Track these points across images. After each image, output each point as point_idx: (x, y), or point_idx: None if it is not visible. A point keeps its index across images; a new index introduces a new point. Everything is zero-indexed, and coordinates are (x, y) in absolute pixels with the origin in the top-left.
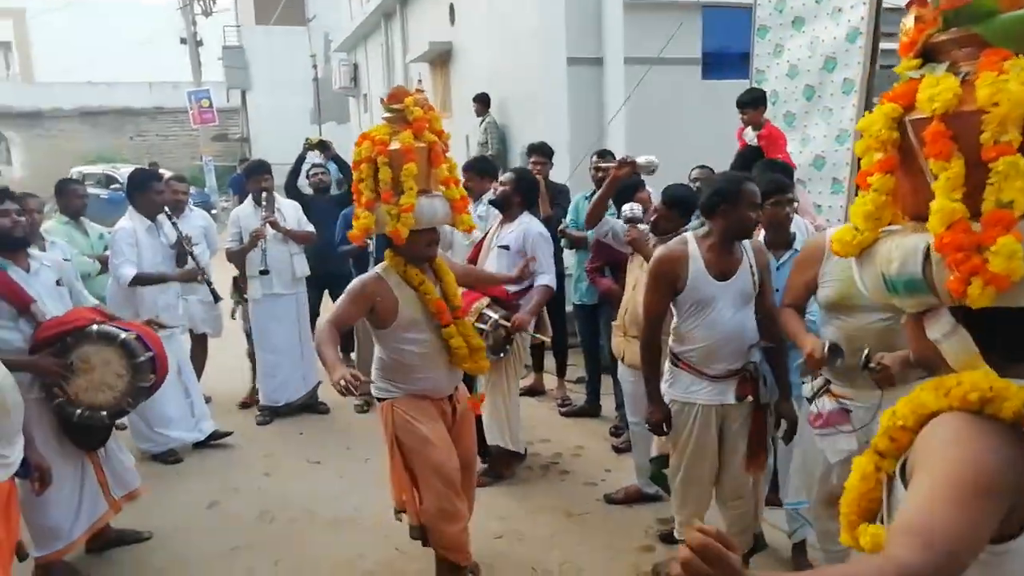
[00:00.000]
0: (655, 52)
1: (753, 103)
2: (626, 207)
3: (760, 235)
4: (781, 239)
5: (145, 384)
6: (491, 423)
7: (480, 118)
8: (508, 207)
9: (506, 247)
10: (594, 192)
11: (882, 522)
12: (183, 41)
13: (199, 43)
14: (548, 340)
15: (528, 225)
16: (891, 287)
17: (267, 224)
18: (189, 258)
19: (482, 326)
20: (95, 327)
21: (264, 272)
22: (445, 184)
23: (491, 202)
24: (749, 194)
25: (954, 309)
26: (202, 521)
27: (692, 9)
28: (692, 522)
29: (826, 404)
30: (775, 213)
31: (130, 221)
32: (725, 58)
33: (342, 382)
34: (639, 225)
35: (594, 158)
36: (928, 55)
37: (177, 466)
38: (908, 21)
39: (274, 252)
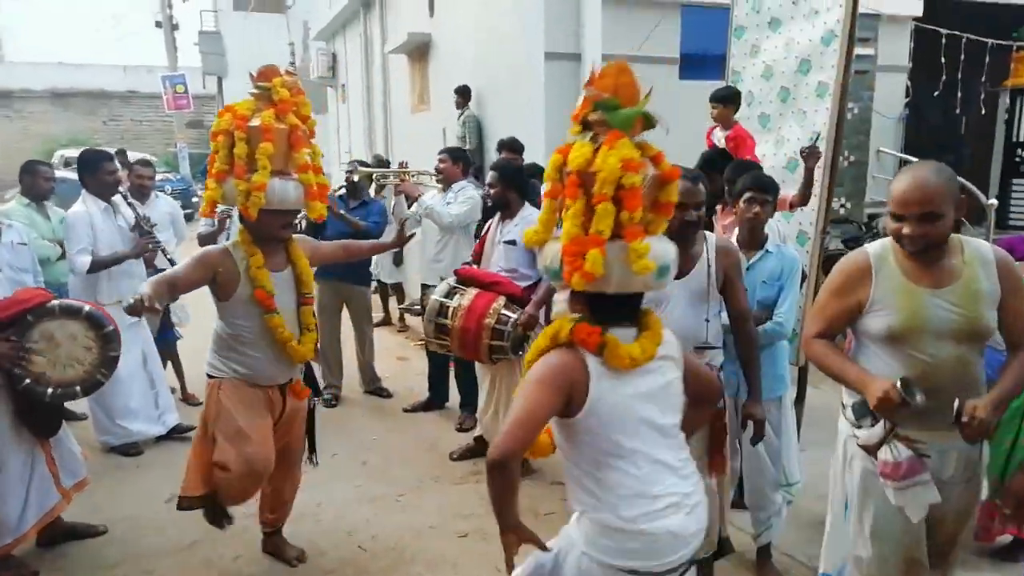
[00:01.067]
0: (633, 50)
1: (725, 100)
2: None
3: (734, 234)
4: (753, 239)
5: (114, 353)
6: None
7: (459, 111)
8: (507, 205)
9: (512, 242)
10: None
11: None
12: (158, 24)
13: (175, 27)
14: None
15: (532, 218)
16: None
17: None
18: (152, 241)
19: (502, 327)
20: (56, 302)
21: None
22: (303, 170)
23: (491, 208)
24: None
25: (576, 292)
26: (160, 514)
27: (671, 8)
28: None
29: (901, 451)
30: (746, 211)
31: (83, 205)
32: (703, 59)
33: (134, 301)
34: None
35: None
36: (587, 125)
37: (137, 458)
38: (579, 101)
39: None
